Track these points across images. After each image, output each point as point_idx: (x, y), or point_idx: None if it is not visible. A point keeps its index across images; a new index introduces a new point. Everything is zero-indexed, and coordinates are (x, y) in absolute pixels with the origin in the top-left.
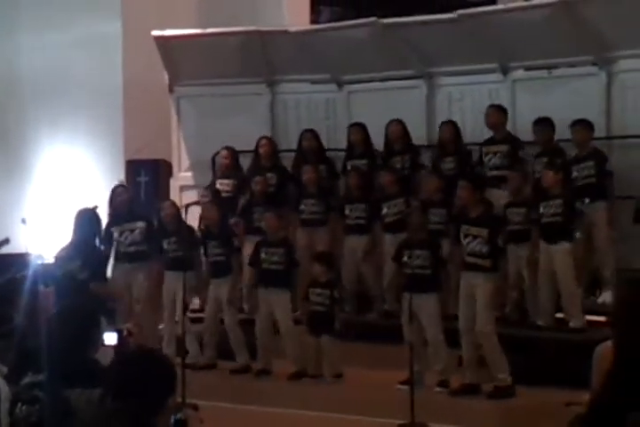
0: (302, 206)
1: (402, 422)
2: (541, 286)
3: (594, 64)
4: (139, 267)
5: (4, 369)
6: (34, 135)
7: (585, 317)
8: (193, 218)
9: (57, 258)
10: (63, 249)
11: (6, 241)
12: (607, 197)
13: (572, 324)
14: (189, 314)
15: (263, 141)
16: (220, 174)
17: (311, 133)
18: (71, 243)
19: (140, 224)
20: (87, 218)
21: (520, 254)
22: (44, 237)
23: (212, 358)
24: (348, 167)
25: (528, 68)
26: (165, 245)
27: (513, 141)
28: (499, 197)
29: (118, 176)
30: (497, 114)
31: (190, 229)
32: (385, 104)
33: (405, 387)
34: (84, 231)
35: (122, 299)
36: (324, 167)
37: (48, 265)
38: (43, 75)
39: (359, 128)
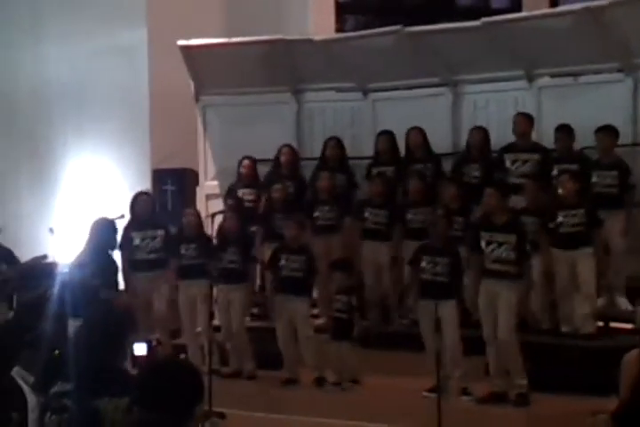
0: (317, 213)
1: None
2: (562, 294)
3: (619, 71)
4: (159, 275)
5: (31, 378)
6: (60, 145)
7: (595, 323)
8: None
9: (70, 266)
10: (77, 257)
11: (44, 257)
12: (626, 208)
13: (583, 329)
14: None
15: (285, 150)
16: (241, 184)
17: (335, 141)
18: (85, 250)
19: (161, 232)
20: (104, 227)
21: (533, 263)
22: (71, 247)
23: (238, 366)
24: (373, 173)
25: (554, 76)
26: (183, 251)
27: (543, 150)
28: (518, 203)
29: (145, 185)
30: (526, 121)
31: (209, 238)
32: (410, 112)
33: (432, 395)
34: (99, 239)
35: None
36: (344, 176)
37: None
38: (69, 85)
39: (388, 136)
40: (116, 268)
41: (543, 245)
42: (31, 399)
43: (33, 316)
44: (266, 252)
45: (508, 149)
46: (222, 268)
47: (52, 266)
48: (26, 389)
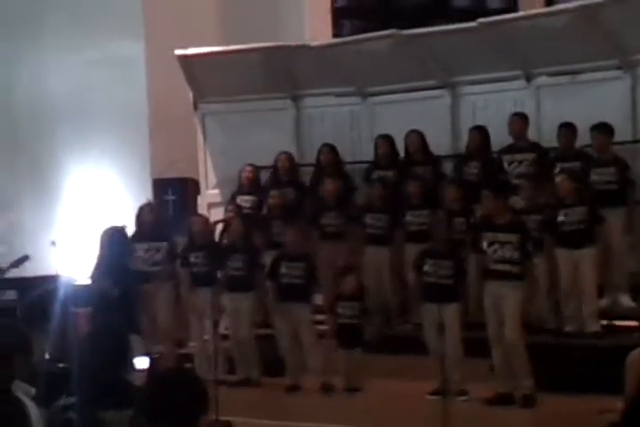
0: (325, 220)
1: None
2: (566, 293)
3: (618, 68)
4: (160, 286)
5: (32, 390)
6: (61, 157)
7: (599, 322)
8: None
9: (91, 278)
10: (95, 269)
11: (26, 258)
12: (627, 204)
13: (589, 328)
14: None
15: (282, 156)
16: (242, 191)
17: (328, 147)
18: (101, 261)
19: (165, 244)
20: (115, 236)
21: (536, 262)
22: (73, 259)
23: (245, 375)
24: (374, 177)
25: (551, 74)
26: (193, 259)
27: (539, 150)
28: (517, 204)
29: (146, 195)
30: (521, 122)
31: (218, 244)
32: (409, 115)
33: (435, 397)
34: (112, 249)
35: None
36: (342, 181)
37: (87, 286)
38: (68, 97)
39: (386, 140)
40: (134, 277)
41: (547, 244)
42: (34, 413)
43: (34, 314)
44: (265, 259)
45: (506, 150)
46: (229, 275)
47: (49, 277)
48: (27, 402)
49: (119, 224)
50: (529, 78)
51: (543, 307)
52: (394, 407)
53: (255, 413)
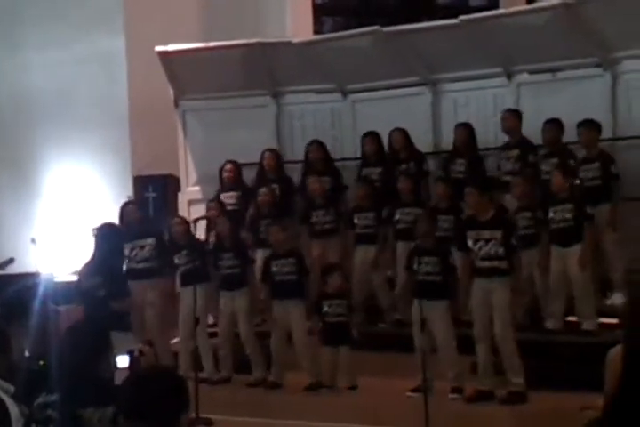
0: (314, 218)
1: None
2: (554, 290)
3: (598, 66)
4: (150, 284)
5: (10, 387)
6: (42, 154)
7: (598, 319)
8: (202, 232)
9: (79, 275)
10: (85, 266)
11: (11, 261)
12: (612, 199)
13: (585, 326)
14: (208, 329)
15: (267, 154)
16: (224, 188)
17: (317, 144)
18: (92, 259)
19: (150, 241)
20: (107, 233)
21: (530, 259)
22: (53, 257)
23: (228, 373)
24: (362, 175)
25: (532, 72)
26: (177, 260)
27: (524, 146)
28: (511, 202)
29: (126, 192)
30: (513, 118)
31: (201, 241)
32: (390, 112)
33: (416, 395)
34: (103, 247)
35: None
36: (330, 178)
37: (68, 283)
38: (48, 93)
39: (373, 137)
40: (123, 276)
41: (542, 239)
42: (13, 410)
43: (12, 311)
44: (257, 257)
45: (503, 147)
46: (223, 275)
47: (28, 275)
48: (6, 399)
49: (102, 222)
50: (510, 76)
51: (531, 303)
52: (379, 405)
53: (236, 410)
